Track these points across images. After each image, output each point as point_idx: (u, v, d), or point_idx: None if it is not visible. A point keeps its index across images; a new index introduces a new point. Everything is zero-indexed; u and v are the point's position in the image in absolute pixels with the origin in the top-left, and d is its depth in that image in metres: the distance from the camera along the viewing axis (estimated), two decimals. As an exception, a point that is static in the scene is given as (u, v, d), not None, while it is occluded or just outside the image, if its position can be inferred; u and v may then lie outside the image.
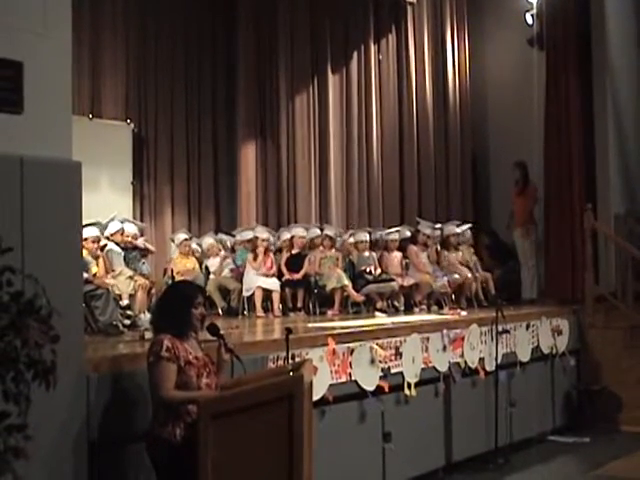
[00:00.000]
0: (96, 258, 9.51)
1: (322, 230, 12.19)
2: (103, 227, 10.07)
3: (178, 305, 5.58)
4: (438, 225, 13.05)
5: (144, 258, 10.68)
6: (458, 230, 12.85)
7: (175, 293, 5.86)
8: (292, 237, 12.01)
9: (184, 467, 5.16)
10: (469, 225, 13.37)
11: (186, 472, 5.14)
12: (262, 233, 11.72)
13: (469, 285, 12.40)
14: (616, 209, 13.03)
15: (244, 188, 13.84)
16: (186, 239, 11.68)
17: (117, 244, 10.12)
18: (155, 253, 11.56)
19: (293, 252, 11.92)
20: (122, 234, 10.37)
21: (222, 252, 12.10)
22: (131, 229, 10.61)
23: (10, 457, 3.76)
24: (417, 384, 8.70)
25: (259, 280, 11.29)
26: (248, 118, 13.93)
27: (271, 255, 11.67)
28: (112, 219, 10.42)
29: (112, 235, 10.19)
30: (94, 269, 9.30)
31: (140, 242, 10.71)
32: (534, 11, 14.03)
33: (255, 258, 11.44)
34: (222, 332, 5.73)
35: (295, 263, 11.78)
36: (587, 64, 13.28)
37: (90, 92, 12.81)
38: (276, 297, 11.34)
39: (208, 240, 12.16)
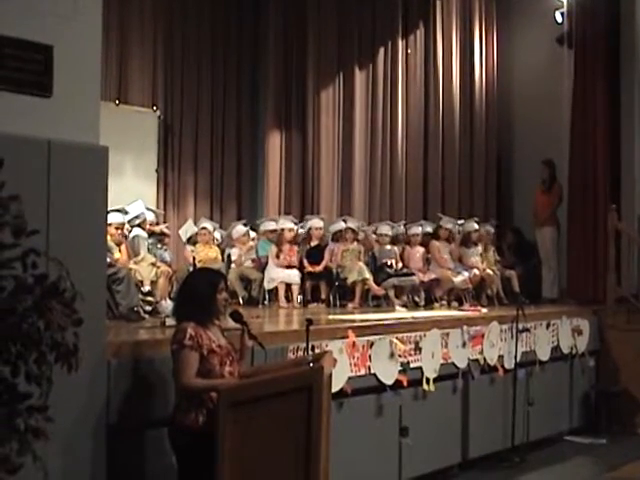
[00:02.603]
0: (118, 244, 9.53)
1: (345, 222, 12.19)
2: (135, 216, 10.13)
3: (202, 291, 5.54)
4: (460, 221, 13.02)
5: (165, 245, 10.71)
6: (477, 227, 12.79)
7: (199, 279, 5.83)
8: (309, 229, 12.02)
9: (206, 454, 5.16)
10: (491, 223, 13.36)
11: (207, 459, 5.14)
12: (287, 223, 11.71)
13: (490, 282, 12.37)
14: (640, 210, 12.97)
15: (270, 180, 13.85)
16: (204, 227, 11.63)
17: (143, 229, 10.19)
18: (170, 237, 11.52)
19: (312, 244, 11.93)
20: (145, 221, 10.44)
21: (250, 242, 12.04)
22: (149, 216, 10.66)
23: (30, 437, 3.77)
24: (436, 379, 8.69)
25: (280, 274, 11.31)
26: (275, 111, 13.94)
27: (295, 248, 11.66)
28: (146, 210, 10.50)
29: (143, 222, 10.25)
30: (117, 255, 9.33)
31: (157, 227, 10.76)
32: (564, 9, 13.95)
33: (278, 255, 11.43)
34: (245, 319, 5.74)
35: (315, 255, 11.77)
36: (616, 63, 13.21)
37: (117, 78, 12.86)
38: (295, 289, 11.36)
39: (241, 229, 12.03)
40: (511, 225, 14.73)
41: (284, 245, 11.49)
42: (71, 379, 3.95)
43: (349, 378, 7.65)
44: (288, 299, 11.28)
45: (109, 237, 8.71)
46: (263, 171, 14.35)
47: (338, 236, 11.91)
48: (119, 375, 5.79)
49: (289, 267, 11.39)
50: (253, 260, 11.74)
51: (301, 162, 14.05)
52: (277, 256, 11.42)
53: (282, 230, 11.61)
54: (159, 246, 10.48)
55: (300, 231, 12.05)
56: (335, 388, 6.97)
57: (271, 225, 11.98)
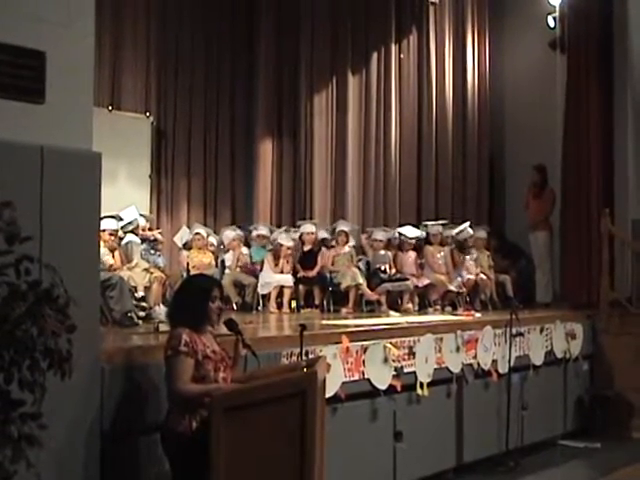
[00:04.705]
0: (112, 251, 9.53)
1: (334, 229, 12.21)
2: (128, 222, 10.14)
3: (194, 298, 5.55)
4: (441, 221, 13.01)
5: (158, 251, 10.70)
6: (472, 232, 12.82)
7: (192, 286, 5.84)
8: (301, 234, 12.02)
9: (199, 460, 5.15)
10: (484, 228, 13.37)
11: (201, 464, 5.13)
12: (285, 241, 11.72)
13: (484, 287, 12.38)
14: (633, 214, 12.98)
15: (261, 185, 13.85)
16: (197, 233, 11.63)
17: (136, 235, 10.19)
18: (164, 243, 11.50)
19: (305, 249, 11.94)
20: (138, 227, 10.45)
21: (242, 247, 12.03)
22: (141, 221, 10.66)
23: (24, 445, 3.77)
24: (430, 384, 8.68)
25: (275, 279, 11.31)
26: (268, 116, 13.93)
27: (291, 259, 11.69)
28: (139, 215, 10.51)
29: (136, 228, 10.25)
30: (110, 261, 9.32)
31: (149, 232, 10.76)
32: (556, 14, 13.98)
33: (277, 263, 11.46)
34: (239, 327, 5.74)
35: (308, 260, 11.78)
36: (609, 67, 13.24)
37: (110, 84, 12.80)
38: (287, 293, 11.36)
39: (230, 233, 12.04)
40: (492, 229, 14.65)
41: (281, 259, 11.50)
42: (65, 386, 3.95)
43: (343, 383, 7.64)
44: (280, 305, 11.28)
45: (103, 243, 8.72)
46: (257, 176, 14.33)
47: (334, 242, 11.94)
48: (113, 381, 5.77)
49: (282, 272, 11.42)
50: (245, 265, 11.72)
51: (293, 167, 14.04)
52: (276, 264, 11.46)
53: (280, 246, 11.61)
54: (152, 252, 10.47)
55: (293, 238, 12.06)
56: (329, 393, 6.98)
57: (262, 230, 11.99)
